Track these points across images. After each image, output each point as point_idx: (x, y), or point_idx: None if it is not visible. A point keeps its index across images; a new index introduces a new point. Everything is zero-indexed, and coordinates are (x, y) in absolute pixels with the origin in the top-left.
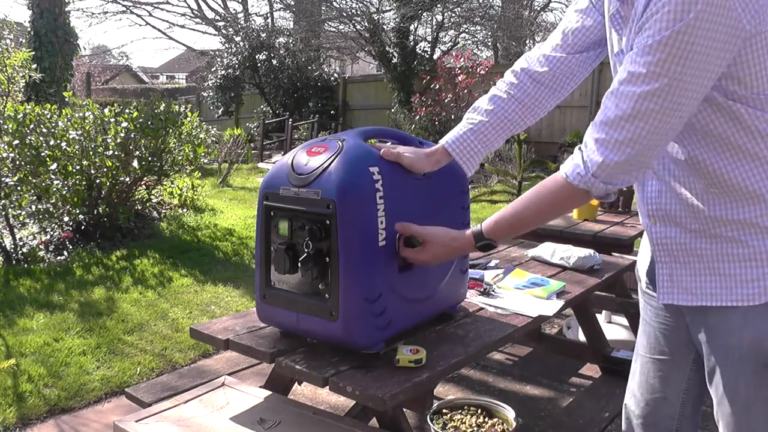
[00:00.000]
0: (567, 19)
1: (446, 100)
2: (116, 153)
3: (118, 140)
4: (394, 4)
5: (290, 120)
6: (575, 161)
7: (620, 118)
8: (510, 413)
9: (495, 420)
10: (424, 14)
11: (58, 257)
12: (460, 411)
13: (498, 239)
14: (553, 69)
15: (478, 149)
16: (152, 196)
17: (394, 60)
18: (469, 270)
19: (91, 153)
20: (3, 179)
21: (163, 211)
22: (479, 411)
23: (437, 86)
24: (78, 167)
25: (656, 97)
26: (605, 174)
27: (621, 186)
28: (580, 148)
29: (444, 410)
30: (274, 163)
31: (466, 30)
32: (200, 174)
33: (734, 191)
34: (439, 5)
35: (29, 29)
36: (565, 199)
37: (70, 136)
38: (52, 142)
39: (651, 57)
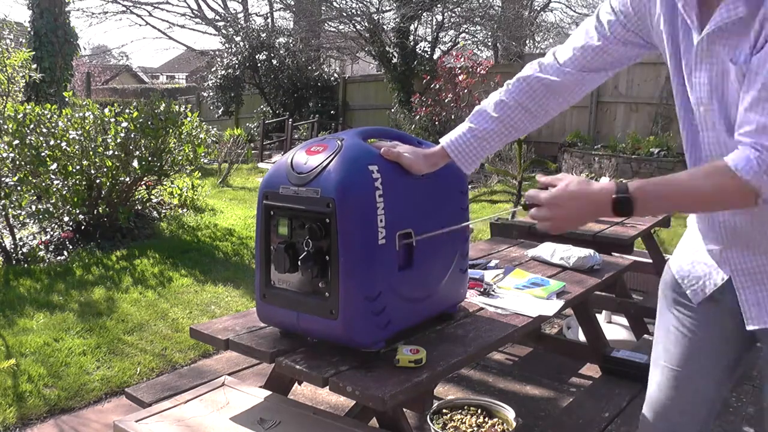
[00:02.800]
0: (585, 34)
1: (446, 100)
2: (116, 153)
3: (118, 140)
4: (394, 4)
5: (290, 120)
6: (745, 154)
7: None
8: (510, 413)
9: (495, 420)
10: (424, 14)
11: (58, 257)
12: (460, 411)
13: (641, 201)
14: (566, 81)
15: (478, 152)
16: (152, 196)
17: (394, 60)
18: (469, 270)
19: (91, 153)
20: (3, 179)
21: (163, 211)
22: (479, 411)
23: (437, 86)
24: (78, 167)
25: None
26: None
27: None
28: (754, 146)
29: (444, 410)
30: (274, 163)
31: (466, 30)
32: (200, 174)
33: None
34: (439, 5)
35: (29, 29)
36: (730, 194)
37: (70, 136)
38: (52, 142)
39: None
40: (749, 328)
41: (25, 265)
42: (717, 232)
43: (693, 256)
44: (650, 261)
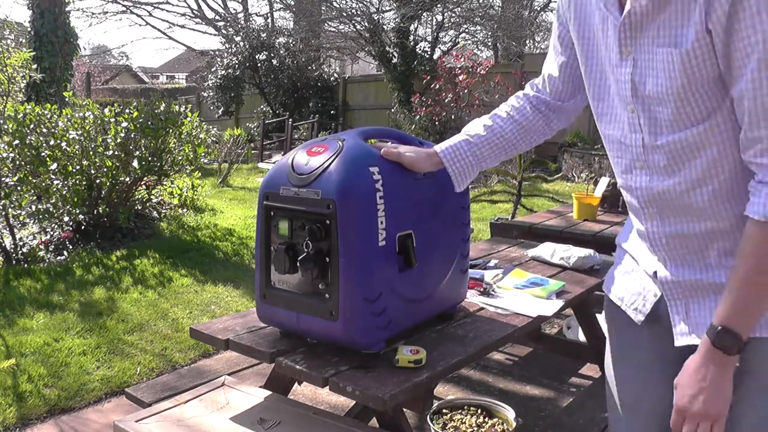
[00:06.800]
0: (548, 61)
1: (446, 100)
2: (116, 153)
3: (118, 140)
4: (394, 4)
5: (290, 120)
6: (762, 197)
7: None
8: (510, 413)
9: (495, 420)
10: (424, 14)
11: (58, 257)
12: (460, 411)
13: (743, 328)
14: (549, 106)
15: (470, 161)
16: (152, 196)
17: (394, 60)
18: (469, 270)
19: (91, 153)
20: (3, 179)
21: (163, 211)
22: (479, 411)
23: (437, 86)
24: (78, 167)
25: None
26: None
27: None
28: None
29: (444, 410)
30: (274, 163)
31: (466, 30)
32: (200, 174)
33: None
34: (439, 5)
35: (29, 29)
36: None
37: (70, 136)
38: (52, 142)
39: None
40: (677, 343)
41: (25, 265)
42: (653, 244)
43: (629, 274)
44: None
